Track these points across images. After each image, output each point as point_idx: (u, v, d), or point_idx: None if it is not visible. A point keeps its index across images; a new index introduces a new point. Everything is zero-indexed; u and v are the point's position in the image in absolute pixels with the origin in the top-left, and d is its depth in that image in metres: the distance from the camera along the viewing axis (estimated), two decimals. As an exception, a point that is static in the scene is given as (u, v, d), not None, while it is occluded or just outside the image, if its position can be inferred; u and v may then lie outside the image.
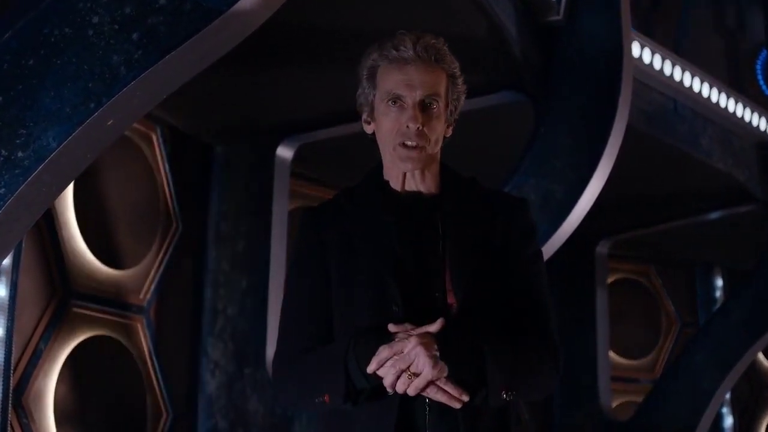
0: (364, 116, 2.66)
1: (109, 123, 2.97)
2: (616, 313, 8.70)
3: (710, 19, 9.12)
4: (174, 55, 2.98)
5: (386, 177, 2.66)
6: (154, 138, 5.98)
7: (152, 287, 5.85)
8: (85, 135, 3.01)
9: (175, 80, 3.15)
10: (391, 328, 2.43)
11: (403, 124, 2.56)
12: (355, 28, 4.96)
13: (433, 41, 2.61)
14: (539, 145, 5.72)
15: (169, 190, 6.06)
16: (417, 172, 2.62)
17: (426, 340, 2.37)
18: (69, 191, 5.29)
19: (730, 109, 7.10)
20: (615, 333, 8.60)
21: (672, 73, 6.47)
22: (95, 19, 3.12)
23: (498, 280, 2.55)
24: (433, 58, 2.59)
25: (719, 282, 9.50)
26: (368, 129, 2.67)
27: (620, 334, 8.85)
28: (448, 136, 2.68)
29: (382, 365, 2.39)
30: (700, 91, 6.71)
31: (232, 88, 5.70)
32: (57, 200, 5.17)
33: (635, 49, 6.17)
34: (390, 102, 2.57)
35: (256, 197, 6.19)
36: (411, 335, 2.38)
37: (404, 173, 2.63)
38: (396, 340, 2.41)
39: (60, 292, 5.21)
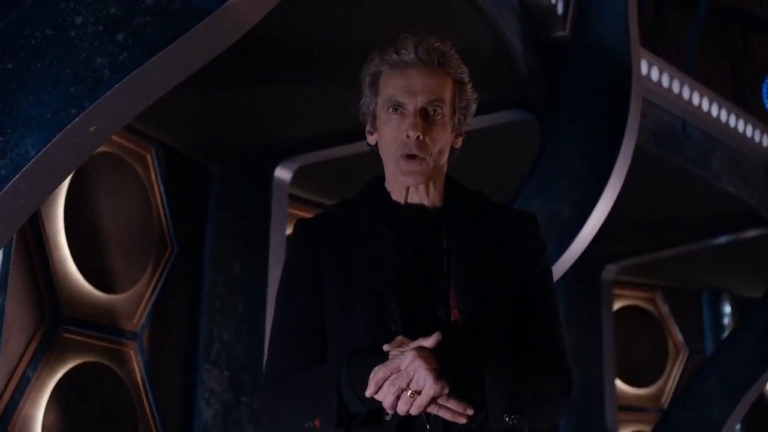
0: (367, 126, 2.54)
1: (91, 129, 2.76)
2: (622, 340, 8.58)
3: (716, 42, 9.00)
4: (161, 56, 2.78)
5: (388, 188, 2.53)
6: (149, 158, 5.81)
7: (146, 312, 5.65)
8: (66, 142, 2.81)
9: (162, 83, 2.94)
10: (386, 348, 2.26)
11: (403, 133, 2.42)
12: (356, 43, 4.77)
13: (437, 44, 2.47)
14: (545, 165, 5.57)
15: (164, 212, 5.88)
16: (421, 187, 2.48)
17: (424, 353, 2.21)
18: (59, 212, 5.11)
19: (740, 129, 6.91)
20: (621, 361, 8.47)
21: (680, 92, 6.28)
22: (78, 20, 2.93)
23: (505, 298, 2.42)
24: (436, 61, 2.45)
25: (727, 309, 9.35)
26: (371, 140, 2.54)
27: (626, 362, 8.71)
28: (457, 147, 2.54)
29: (380, 387, 2.22)
30: (709, 111, 6.52)
31: (229, 108, 5.57)
32: (47, 221, 5.01)
33: (643, 66, 6.01)
34: (391, 109, 2.44)
35: (254, 220, 6.03)
36: (406, 350, 2.23)
37: (407, 188, 2.50)
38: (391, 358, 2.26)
39: (49, 317, 5.01)
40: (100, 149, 5.27)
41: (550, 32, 5.52)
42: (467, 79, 2.52)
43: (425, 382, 2.20)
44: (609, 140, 5.54)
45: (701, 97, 6.47)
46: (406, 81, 2.43)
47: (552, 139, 5.61)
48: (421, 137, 2.41)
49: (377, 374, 2.22)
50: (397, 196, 2.51)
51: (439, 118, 2.44)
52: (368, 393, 2.22)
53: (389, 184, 2.53)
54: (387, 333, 2.32)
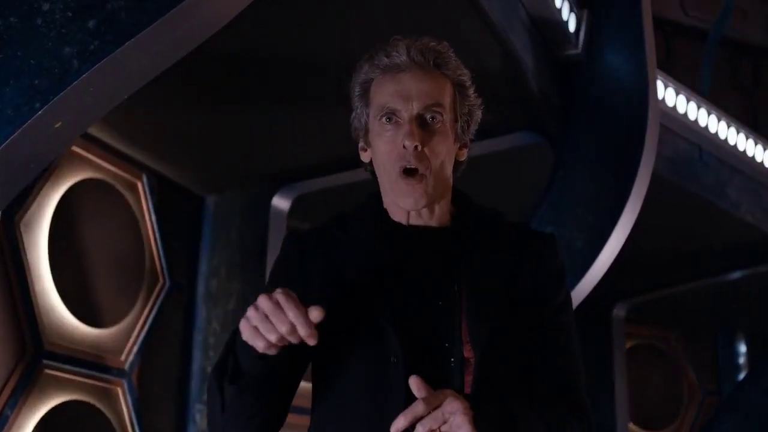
0: (360, 143, 2.27)
1: (57, 125, 2.42)
2: (635, 381, 8.31)
3: (727, 75, 8.83)
4: (135, 42, 2.43)
5: (387, 207, 2.26)
6: (140, 186, 5.56)
7: (135, 348, 5.38)
8: (28, 140, 2.46)
9: (137, 75, 2.60)
10: (415, 388, 1.95)
11: (399, 144, 2.15)
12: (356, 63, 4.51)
13: (432, 44, 2.20)
14: (558, 191, 5.32)
15: (156, 243, 5.63)
16: (424, 209, 2.21)
17: (463, 400, 1.97)
18: (43, 240, 4.86)
19: (758, 158, 6.60)
20: (634, 402, 8.19)
21: (697, 118, 5.95)
22: (45, 6, 2.60)
23: (523, 332, 2.17)
24: (432, 62, 2.19)
25: (742, 348, 9.07)
26: (364, 157, 2.27)
27: (640, 404, 8.42)
28: (462, 159, 2.28)
29: (416, 421, 1.95)
30: (727, 138, 6.20)
31: (224, 133, 5.33)
32: (29, 250, 4.78)
33: (658, 89, 5.69)
34: (384, 119, 2.17)
35: (250, 252, 5.79)
36: (441, 393, 1.96)
37: (407, 211, 2.23)
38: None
39: (30, 352, 4.74)
40: (87, 175, 5.15)
41: (562, 50, 5.27)
42: (469, 83, 2.25)
43: (461, 429, 1.95)
44: (624, 166, 5.30)
45: (718, 123, 6.15)
46: (398, 86, 2.16)
47: (565, 163, 5.37)
48: (420, 147, 2.14)
49: (416, 408, 1.94)
50: (398, 215, 2.24)
51: (438, 125, 2.17)
52: (401, 423, 1.96)
53: (388, 203, 2.26)
54: (386, 365, 2.07)
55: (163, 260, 5.65)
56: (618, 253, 5.44)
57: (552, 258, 2.25)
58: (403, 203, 2.19)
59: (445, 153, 2.19)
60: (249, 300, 5.69)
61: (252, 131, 5.34)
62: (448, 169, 2.22)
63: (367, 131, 2.23)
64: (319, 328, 2.05)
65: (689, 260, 7.41)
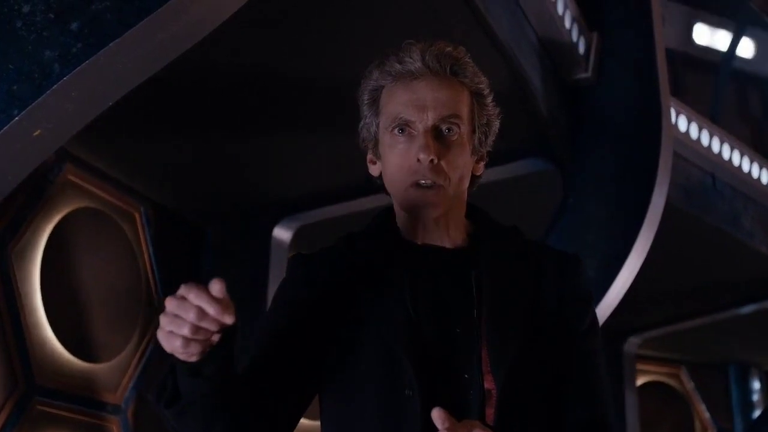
0: (369, 155, 2.12)
1: (35, 133, 2.24)
2: (646, 419, 8.08)
3: (735, 106, 8.69)
4: (120, 43, 2.24)
5: (399, 223, 2.11)
6: (137, 217, 5.43)
7: (131, 384, 5.21)
8: (5, 149, 2.26)
9: (121, 79, 2.40)
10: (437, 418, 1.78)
11: (413, 157, 2.01)
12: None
13: (448, 49, 2.06)
14: (568, 218, 5.15)
15: (153, 276, 5.48)
16: (438, 222, 2.07)
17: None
18: (35, 272, 4.73)
19: (773, 187, 6.43)
20: None
21: (710, 144, 5.78)
22: (26, 8, 2.43)
23: (548, 359, 2.01)
24: (448, 69, 2.04)
25: (756, 385, 8.89)
26: (373, 171, 2.13)
27: None
28: (479, 174, 2.13)
29: None
30: (740, 166, 6.02)
31: (225, 163, 5.22)
32: (21, 282, 4.65)
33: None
34: (396, 130, 2.03)
35: (251, 284, 5.62)
36: (470, 424, 1.82)
37: (422, 223, 2.08)
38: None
39: (22, 387, 4.59)
40: (81, 204, 5.02)
41: (572, 73, 5.12)
42: (487, 91, 2.10)
43: None
44: (637, 193, 5.16)
45: (732, 150, 5.97)
46: (412, 94, 2.02)
47: (575, 190, 5.20)
48: (436, 161, 1.99)
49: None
50: (410, 234, 2.08)
51: (455, 137, 2.02)
52: None
53: (400, 222, 2.11)
54: (400, 397, 1.92)
55: (160, 293, 5.50)
56: (631, 283, 5.26)
57: (577, 279, 2.09)
58: (417, 213, 2.04)
59: (463, 166, 2.03)
60: (250, 334, 5.51)
61: (253, 160, 5.23)
62: (465, 183, 2.07)
63: (376, 142, 2.08)
64: (327, 355, 1.98)
65: (701, 292, 7.25)
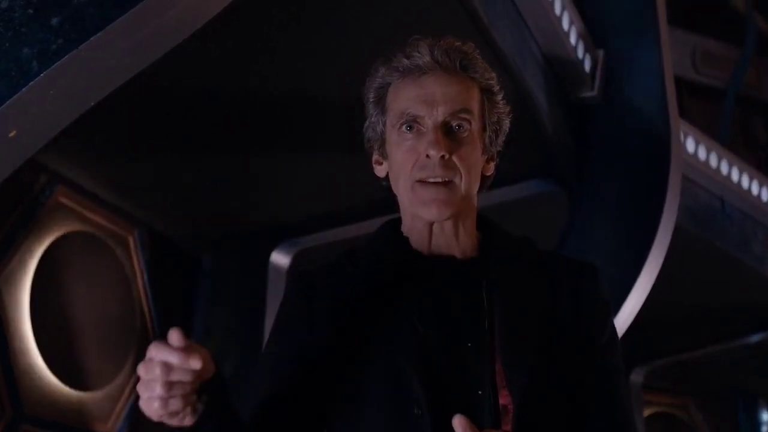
0: (375, 156, 2.02)
1: (11, 134, 2.07)
2: None
3: (740, 133, 8.63)
4: (101, 37, 2.08)
5: (406, 232, 2.00)
6: (131, 242, 5.36)
7: (123, 413, 5.12)
8: (-22, 151, 2.10)
9: (103, 77, 2.24)
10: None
11: (421, 154, 1.91)
12: (360, 109, 4.29)
13: (457, 44, 1.97)
14: (575, 241, 5.03)
15: (147, 302, 5.41)
16: (448, 226, 1.96)
17: None
18: (25, 297, 4.67)
19: (783, 212, 6.28)
20: None
21: (719, 167, 5.63)
22: (4, 3, 2.28)
23: (565, 374, 1.92)
24: (458, 64, 1.95)
25: (765, 416, 8.79)
26: (380, 171, 2.03)
27: None
28: (489, 174, 2.02)
29: None
30: (750, 189, 5.87)
31: (221, 185, 5.13)
32: (10, 307, 4.60)
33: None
34: (404, 127, 1.93)
35: (248, 312, 5.54)
36: None
37: (430, 227, 1.96)
38: None
39: (9, 415, 4.54)
40: (73, 227, 4.95)
41: (577, 92, 5.01)
42: (497, 88, 2.01)
43: None
44: (646, 216, 5.04)
45: (741, 173, 5.84)
46: (421, 90, 1.93)
47: (582, 212, 5.09)
48: (447, 156, 1.90)
49: None
50: (418, 243, 1.98)
51: (466, 134, 1.93)
52: None
53: (407, 228, 2.00)
54: (408, 417, 1.84)
55: (154, 320, 5.43)
56: (639, 310, 5.13)
57: (594, 289, 1.98)
58: (425, 213, 1.92)
59: (474, 163, 1.93)
60: (246, 363, 5.37)
61: (250, 184, 5.16)
62: (476, 184, 1.96)
63: (383, 142, 1.98)
64: (335, 380, 1.89)
65: (710, 320, 7.13)
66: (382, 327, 1.89)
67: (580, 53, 4.79)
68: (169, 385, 1.60)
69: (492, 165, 2.01)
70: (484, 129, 1.96)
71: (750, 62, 8.12)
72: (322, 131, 4.65)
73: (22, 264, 4.62)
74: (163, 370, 1.59)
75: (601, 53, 5.03)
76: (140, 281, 5.37)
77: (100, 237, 5.11)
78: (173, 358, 1.59)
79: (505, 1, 4.22)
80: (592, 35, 5.01)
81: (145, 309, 5.38)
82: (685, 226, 5.55)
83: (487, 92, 1.98)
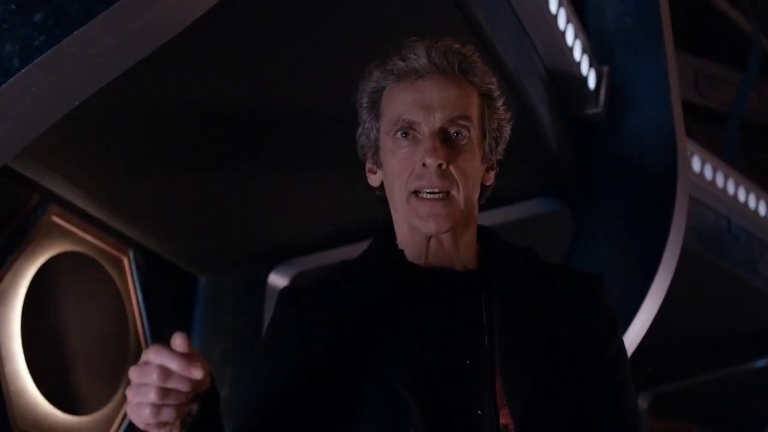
0: (368, 164, 1.97)
1: (-12, 136, 1.95)
2: None
3: (743, 158, 8.65)
4: (85, 33, 1.97)
5: (401, 245, 1.94)
6: (126, 263, 5.24)
7: None
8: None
9: (89, 74, 2.12)
10: None
11: (417, 162, 1.85)
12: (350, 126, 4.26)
13: (456, 46, 1.92)
14: (579, 261, 4.91)
15: (142, 325, 5.27)
16: (446, 238, 1.89)
17: None
18: (16, 318, 4.55)
19: (791, 232, 6.19)
20: None
21: (725, 186, 5.53)
22: (-15, 0, 2.14)
23: (570, 391, 1.85)
24: (456, 67, 1.89)
25: None
26: (373, 181, 1.97)
27: None
28: (489, 184, 1.96)
29: None
30: (757, 209, 5.78)
31: (217, 206, 5.05)
32: (1, 329, 4.49)
33: (684, 154, 5.29)
34: (399, 134, 1.87)
35: (245, 335, 5.44)
36: None
37: (427, 240, 1.89)
38: None
39: None
40: (65, 248, 4.85)
41: (582, 108, 4.90)
42: (498, 93, 1.96)
43: None
44: (652, 235, 4.95)
45: (748, 193, 5.73)
46: (417, 94, 1.86)
47: (586, 232, 5.00)
48: (444, 166, 1.83)
49: None
50: (414, 255, 1.92)
51: (464, 142, 1.86)
52: None
53: (402, 241, 1.94)
54: None
55: (149, 343, 5.27)
56: (645, 333, 5.03)
57: (600, 301, 1.92)
58: (422, 226, 1.86)
59: (473, 173, 1.88)
60: (245, 386, 5.24)
61: (247, 203, 5.06)
62: (476, 195, 1.90)
63: (377, 149, 1.92)
64: (325, 398, 1.83)
65: (715, 344, 7.04)
66: (378, 345, 1.82)
67: (584, 68, 4.71)
68: (164, 392, 1.51)
69: (492, 174, 1.95)
70: (483, 136, 1.90)
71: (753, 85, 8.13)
72: (322, 148, 4.58)
73: (14, 285, 4.53)
74: (160, 376, 1.51)
75: (605, 69, 4.95)
76: (135, 303, 5.25)
77: (94, 257, 5.01)
78: (174, 364, 1.51)
79: (508, 13, 4.14)
80: (596, 51, 4.94)
81: (140, 331, 5.26)
82: (691, 247, 5.45)
83: (487, 97, 1.91)
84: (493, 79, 1.94)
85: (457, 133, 1.85)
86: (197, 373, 1.52)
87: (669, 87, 4.98)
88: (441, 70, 1.87)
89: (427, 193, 1.84)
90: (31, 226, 4.61)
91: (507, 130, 1.97)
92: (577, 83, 4.76)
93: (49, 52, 2.00)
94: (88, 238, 4.96)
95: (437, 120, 1.84)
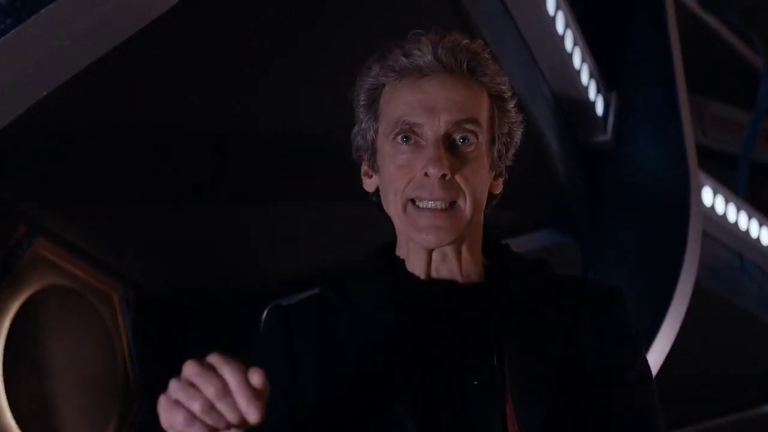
0: (364, 167, 1.87)
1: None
2: None
3: (746, 196, 8.61)
4: (53, 13, 1.80)
5: (401, 255, 1.84)
6: (115, 298, 5.12)
7: None
8: None
9: (57, 61, 1.95)
10: None
11: (419, 171, 1.74)
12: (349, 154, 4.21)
13: (465, 41, 1.80)
14: None
15: (131, 364, 5.16)
16: (449, 250, 1.78)
17: None
18: None
19: (804, 270, 6.03)
20: None
21: (737, 220, 5.38)
22: (-53, -17, 1.97)
23: (589, 417, 1.74)
24: (465, 66, 1.78)
25: None
26: (369, 186, 1.87)
27: None
28: (497, 192, 1.86)
29: None
30: (771, 246, 5.65)
31: (211, 241, 4.96)
32: None
33: (695, 186, 5.17)
34: (399, 137, 1.76)
35: None
36: None
37: (429, 252, 1.79)
38: None
39: None
40: (52, 281, 4.74)
41: (590, 135, 4.78)
42: (509, 94, 1.85)
43: None
44: (663, 270, 4.81)
45: (761, 228, 5.58)
46: (420, 94, 1.75)
47: (595, 266, 4.85)
48: (449, 176, 1.73)
49: None
50: (415, 266, 1.81)
51: (471, 149, 1.75)
52: None
53: (402, 250, 1.83)
54: None
55: (139, 383, 5.16)
56: (656, 373, 4.85)
57: (620, 315, 1.81)
58: (422, 239, 1.75)
59: (480, 184, 1.77)
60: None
61: (242, 238, 4.98)
62: (482, 205, 1.81)
63: (373, 152, 1.82)
64: (317, 423, 1.73)
65: (728, 386, 6.84)
66: (376, 367, 1.73)
67: (592, 94, 4.60)
68: (209, 408, 1.43)
69: (500, 182, 1.85)
70: (492, 142, 1.80)
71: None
72: (319, 182, 4.48)
73: (-4, 319, 4.38)
74: (218, 391, 1.43)
75: (614, 95, 4.84)
76: (124, 341, 5.14)
77: (82, 292, 4.89)
78: (240, 390, 1.42)
79: (514, 35, 4.06)
80: (604, 76, 4.84)
81: (129, 371, 5.14)
82: (703, 284, 5.27)
83: (497, 99, 1.81)
84: (505, 79, 1.83)
85: (464, 139, 1.74)
86: (253, 417, 1.41)
87: (681, 115, 4.88)
88: (448, 69, 1.75)
89: (427, 202, 1.72)
90: (16, 259, 4.51)
91: (518, 134, 1.86)
92: (584, 109, 4.66)
93: (9, 34, 1.82)
94: (76, 271, 4.86)
95: (442, 124, 1.73)
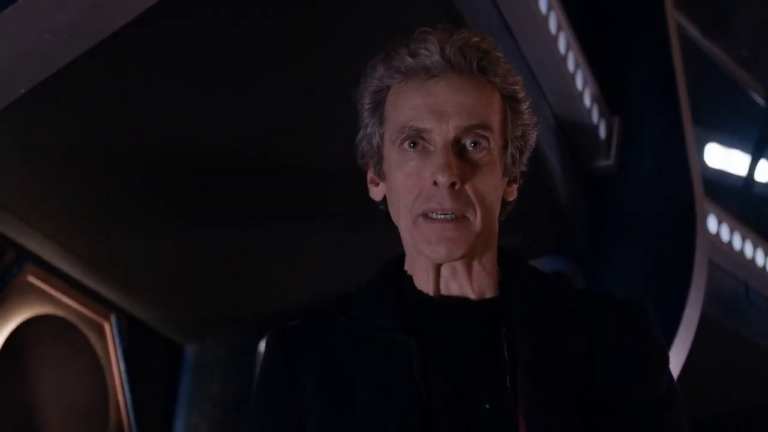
0: (370, 174, 1.78)
1: None
2: None
3: (753, 224, 8.58)
4: (28, 3, 1.70)
5: (409, 271, 1.76)
6: (107, 328, 5.10)
7: None
8: None
9: (38, 55, 1.83)
10: None
11: (427, 180, 1.66)
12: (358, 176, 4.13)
13: (475, 39, 1.70)
14: None
15: (124, 396, 5.13)
16: (459, 265, 1.70)
17: None
18: None
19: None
20: None
21: (743, 249, 5.29)
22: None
23: None
24: (475, 66, 1.68)
25: None
26: (375, 194, 1.78)
27: None
28: (511, 200, 1.78)
29: None
30: (777, 276, 5.56)
31: (205, 269, 4.94)
32: None
33: (699, 214, 5.11)
34: (406, 143, 1.67)
35: (234, 407, 5.28)
36: None
37: (438, 266, 1.71)
38: None
39: None
40: (44, 311, 4.75)
41: (592, 160, 4.71)
42: (522, 94, 1.74)
43: None
44: (668, 301, 4.72)
45: (766, 257, 5.48)
46: (428, 97, 1.66)
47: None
48: (458, 185, 1.64)
49: None
50: (423, 282, 1.73)
51: (483, 155, 1.67)
52: None
53: (411, 265, 1.75)
54: None
55: (131, 416, 5.14)
56: None
57: (644, 333, 1.71)
58: (432, 253, 1.66)
59: (492, 191, 1.68)
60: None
61: (238, 265, 4.94)
62: (495, 214, 1.71)
63: (380, 158, 1.73)
64: None
65: (733, 421, 6.70)
66: (382, 391, 1.65)
67: (594, 118, 4.53)
68: None
69: (514, 188, 1.76)
70: (505, 146, 1.71)
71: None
72: (315, 209, 4.44)
73: (-17, 349, 4.36)
74: None
75: (617, 120, 4.77)
76: (116, 372, 5.10)
77: (73, 322, 4.88)
78: None
79: (515, 56, 4.03)
80: (607, 100, 4.78)
81: (121, 403, 5.11)
82: (709, 313, 5.16)
83: (510, 100, 1.70)
84: (518, 78, 1.72)
85: (475, 144, 1.65)
86: None
87: (685, 139, 4.82)
88: (457, 69, 1.66)
89: (438, 213, 1.64)
90: (4, 286, 4.50)
91: (533, 137, 1.77)
92: (587, 133, 4.60)
93: (-16, 22, 1.72)
94: (67, 300, 4.86)
95: (451, 129, 1.64)
